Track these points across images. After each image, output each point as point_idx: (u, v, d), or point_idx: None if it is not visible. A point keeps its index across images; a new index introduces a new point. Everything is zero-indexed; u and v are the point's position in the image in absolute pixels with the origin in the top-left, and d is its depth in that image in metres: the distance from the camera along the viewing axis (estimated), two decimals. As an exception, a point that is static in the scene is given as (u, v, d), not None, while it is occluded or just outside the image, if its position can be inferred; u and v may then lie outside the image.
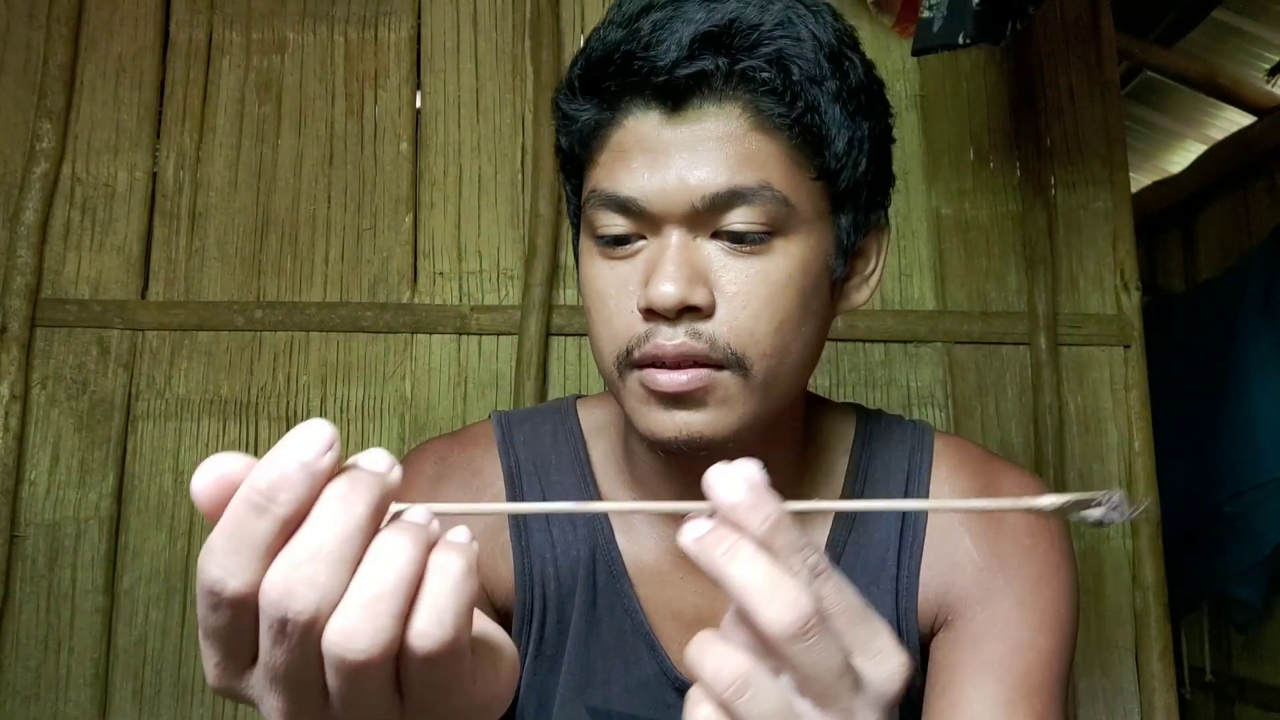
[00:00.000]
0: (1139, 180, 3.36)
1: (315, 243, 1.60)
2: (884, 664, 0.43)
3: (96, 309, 1.55)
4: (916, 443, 0.81)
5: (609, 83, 0.67)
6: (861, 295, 0.76)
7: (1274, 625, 2.50)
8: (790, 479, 0.79)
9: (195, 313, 1.56)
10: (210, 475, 0.38)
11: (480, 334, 1.57)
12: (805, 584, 0.41)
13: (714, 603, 0.76)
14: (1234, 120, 2.92)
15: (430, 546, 0.39)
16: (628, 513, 0.79)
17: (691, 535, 0.42)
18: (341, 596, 0.37)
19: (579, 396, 0.88)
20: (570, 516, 0.79)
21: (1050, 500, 0.43)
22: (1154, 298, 2.96)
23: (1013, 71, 1.64)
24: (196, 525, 1.52)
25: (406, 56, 1.65)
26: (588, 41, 0.71)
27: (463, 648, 0.39)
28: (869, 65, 0.72)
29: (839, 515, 0.78)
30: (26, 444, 1.52)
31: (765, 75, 0.65)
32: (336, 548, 0.37)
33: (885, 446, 0.81)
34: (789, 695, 0.41)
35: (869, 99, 0.71)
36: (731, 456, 0.44)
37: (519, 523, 0.79)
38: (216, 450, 1.62)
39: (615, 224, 0.68)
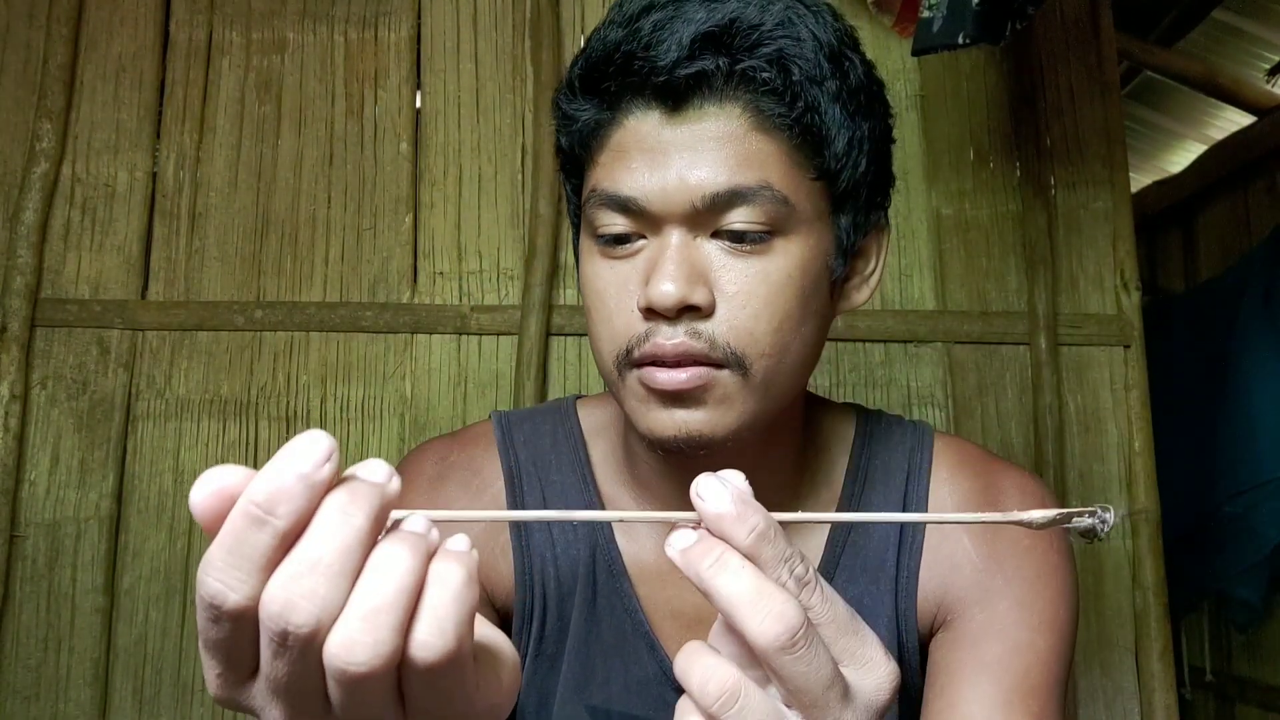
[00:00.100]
0: (1139, 180, 3.36)
1: (315, 243, 1.60)
2: (872, 673, 0.43)
3: (96, 309, 1.55)
4: (916, 443, 0.81)
5: (609, 83, 0.67)
6: (861, 295, 0.76)
7: (1274, 625, 2.49)
8: (790, 479, 0.79)
9: (195, 313, 1.56)
10: (208, 488, 0.37)
11: (480, 334, 1.57)
12: (793, 595, 0.41)
13: (714, 603, 0.76)
14: (1234, 120, 2.91)
15: (430, 555, 0.38)
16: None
17: (678, 546, 0.42)
18: (342, 608, 0.37)
19: (579, 396, 0.88)
20: None
21: (1039, 515, 0.44)
22: (1154, 298, 2.96)
23: (1013, 71, 1.64)
24: (196, 525, 1.51)
25: (406, 56, 1.65)
26: (588, 41, 0.71)
27: (464, 657, 0.39)
28: (869, 65, 0.72)
29: (839, 515, 0.78)
30: (26, 444, 1.52)
31: (765, 75, 0.65)
32: (336, 560, 0.37)
33: (885, 447, 0.81)
34: (778, 706, 0.42)
35: (869, 99, 0.71)
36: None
37: (519, 523, 0.79)
38: (216, 450, 1.62)
39: (615, 223, 0.68)
